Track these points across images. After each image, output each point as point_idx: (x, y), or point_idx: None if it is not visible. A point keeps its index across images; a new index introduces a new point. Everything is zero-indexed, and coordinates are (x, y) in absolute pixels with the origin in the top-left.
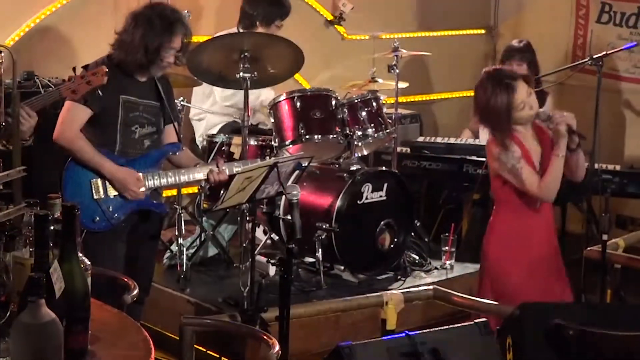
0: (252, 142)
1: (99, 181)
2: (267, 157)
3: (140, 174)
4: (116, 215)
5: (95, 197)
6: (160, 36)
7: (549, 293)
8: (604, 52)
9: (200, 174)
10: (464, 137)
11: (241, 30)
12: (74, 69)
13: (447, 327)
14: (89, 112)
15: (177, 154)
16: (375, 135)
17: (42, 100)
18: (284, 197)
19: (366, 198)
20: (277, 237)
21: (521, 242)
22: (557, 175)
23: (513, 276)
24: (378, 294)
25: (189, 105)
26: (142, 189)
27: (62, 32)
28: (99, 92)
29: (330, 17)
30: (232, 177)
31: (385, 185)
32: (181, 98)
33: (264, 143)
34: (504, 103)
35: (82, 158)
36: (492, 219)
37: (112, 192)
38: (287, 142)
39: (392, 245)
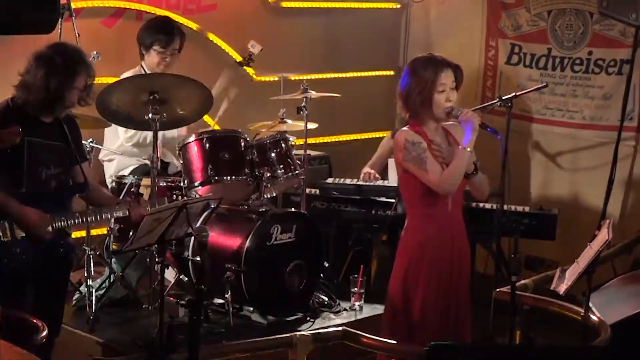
0: (162, 183)
1: (6, 223)
2: (177, 198)
3: (48, 215)
4: (24, 256)
5: (2, 239)
6: (62, 76)
7: (445, 310)
8: (513, 94)
9: (107, 214)
10: (367, 169)
11: (145, 68)
12: None
13: None
14: None
15: (86, 193)
16: (285, 176)
17: None
18: (193, 238)
19: (275, 239)
20: (186, 279)
21: (429, 248)
22: (460, 167)
23: (420, 282)
24: (287, 335)
25: (98, 146)
26: (50, 229)
27: None
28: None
29: (239, 59)
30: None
31: (295, 226)
32: (90, 139)
33: (173, 184)
34: (430, 78)
35: None
36: (405, 227)
37: (19, 234)
38: (196, 184)
39: (301, 287)
